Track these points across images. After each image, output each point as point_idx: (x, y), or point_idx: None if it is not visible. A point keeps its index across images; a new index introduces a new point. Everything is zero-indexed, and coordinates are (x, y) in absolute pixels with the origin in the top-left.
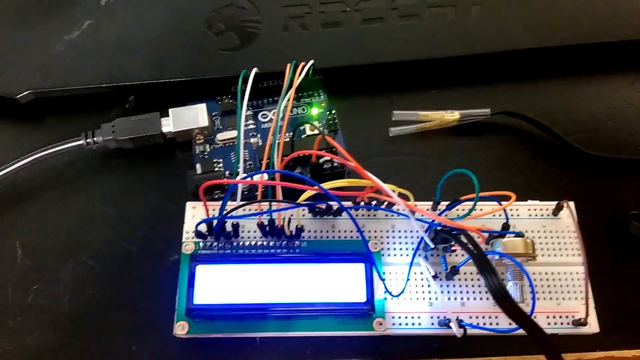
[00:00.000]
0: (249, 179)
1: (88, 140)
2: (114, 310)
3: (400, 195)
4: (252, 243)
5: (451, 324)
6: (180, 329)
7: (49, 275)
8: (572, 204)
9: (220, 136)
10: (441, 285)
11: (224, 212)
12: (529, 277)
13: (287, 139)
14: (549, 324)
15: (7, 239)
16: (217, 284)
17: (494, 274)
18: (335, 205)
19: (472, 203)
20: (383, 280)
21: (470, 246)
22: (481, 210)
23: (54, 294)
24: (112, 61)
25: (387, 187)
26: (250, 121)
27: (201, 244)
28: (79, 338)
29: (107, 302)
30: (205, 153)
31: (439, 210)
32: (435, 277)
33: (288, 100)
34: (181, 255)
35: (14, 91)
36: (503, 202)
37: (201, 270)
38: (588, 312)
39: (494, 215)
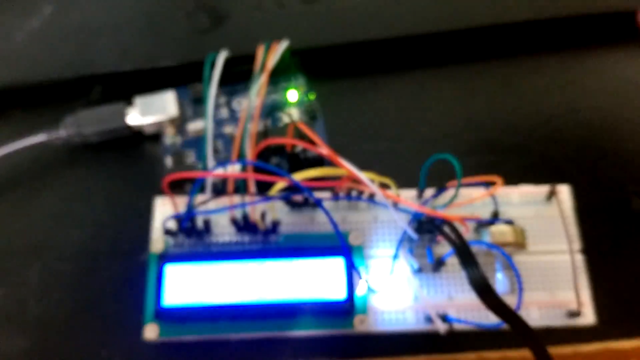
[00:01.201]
0: (219, 170)
1: (51, 135)
2: (83, 313)
3: (382, 184)
4: (226, 240)
5: (435, 319)
6: (150, 332)
7: (14, 279)
8: (566, 187)
9: (191, 126)
10: (427, 279)
11: (192, 207)
12: (515, 269)
13: (263, 128)
14: (542, 315)
15: None
16: (187, 284)
17: (475, 265)
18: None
19: (462, 190)
20: (359, 273)
21: (452, 237)
22: (469, 197)
23: (19, 298)
24: (76, 50)
25: (364, 176)
26: (224, 109)
27: (171, 242)
28: (47, 344)
29: (75, 306)
30: (176, 144)
31: (424, 198)
32: (420, 270)
33: (260, 85)
34: (150, 255)
35: None
36: (491, 188)
37: (170, 269)
38: (581, 302)
39: (483, 203)
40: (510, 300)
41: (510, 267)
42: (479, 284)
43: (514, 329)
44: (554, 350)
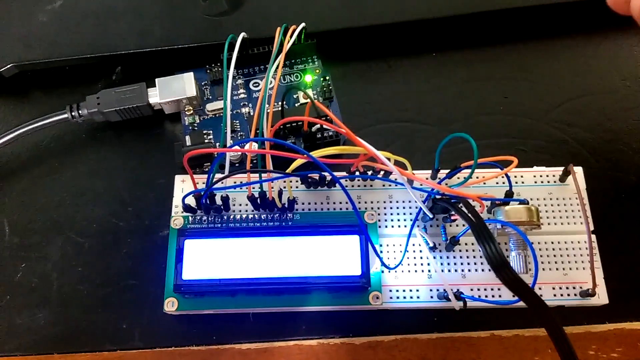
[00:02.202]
0: (238, 147)
1: (73, 114)
2: (104, 287)
3: (397, 163)
4: (243, 216)
5: (450, 297)
6: (170, 305)
7: (37, 253)
8: (579, 169)
9: (210, 106)
10: (440, 257)
11: (211, 183)
12: (532, 246)
13: (278, 108)
14: (555, 295)
15: None
16: (206, 259)
17: (492, 241)
18: (329, 175)
19: (477, 170)
20: (375, 250)
21: (468, 214)
22: (483, 177)
23: (42, 271)
24: (96, 31)
25: (381, 155)
26: (242, 90)
27: (190, 219)
28: (68, 316)
29: (96, 280)
30: (195, 124)
31: (439, 178)
32: (434, 248)
33: (277, 66)
34: (170, 230)
35: None
36: (505, 169)
37: (190, 244)
38: (595, 282)
39: (497, 183)
40: (525, 280)
41: (523, 247)
42: (496, 260)
43: (530, 306)
44: (567, 329)
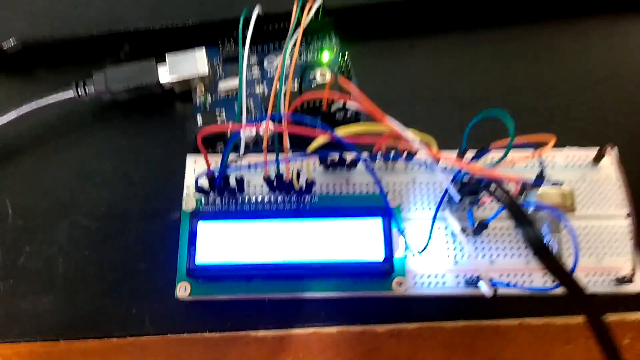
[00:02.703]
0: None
1: (79, 92)
2: (112, 272)
3: (422, 142)
4: (259, 198)
5: (480, 283)
6: (182, 290)
7: (42, 236)
8: (614, 150)
9: (222, 85)
10: (467, 242)
11: (226, 163)
12: (573, 231)
13: (295, 88)
14: (589, 282)
15: None
16: (221, 242)
17: (531, 224)
18: (349, 156)
19: (503, 151)
20: (403, 234)
21: (503, 196)
22: (511, 159)
23: (47, 255)
24: (104, 5)
25: (408, 132)
26: (255, 69)
27: (203, 200)
28: (75, 302)
29: (104, 264)
30: (207, 104)
31: (465, 160)
32: (462, 232)
33: (295, 43)
34: (182, 212)
35: None
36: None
37: (203, 227)
38: (634, 269)
39: (526, 166)
40: None
41: (557, 230)
42: (537, 243)
43: (570, 293)
44: None
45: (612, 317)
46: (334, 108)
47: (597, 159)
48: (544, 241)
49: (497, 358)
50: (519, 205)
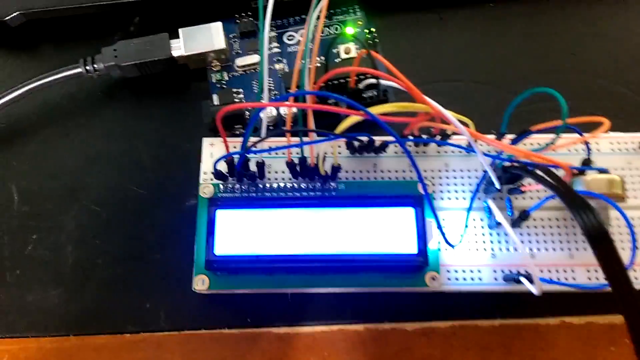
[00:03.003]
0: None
1: (87, 68)
2: (124, 262)
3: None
4: (281, 185)
5: (523, 279)
6: (200, 283)
7: (49, 223)
8: None
9: (239, 61)
10: (506, 234)
11: (246, 146)
12: (629, 221)
13: (319, 64)
14: (636, 278)
15: (1, 182)
16: (241, 232)
17: (590, 209)
18: (378, 139)
19: (544, 136)
20: (440, 225)
21: (553, 181)
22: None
23: (55, 244)
24: None
25: (448, 113)
26: (275, 44)
27: (221, 187)
28: (85, 295)
29: (115, 254)
30: (223, 82)
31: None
32: (498, 224)
33: (319, 16)
34: (199, 199)
35: (1, 13)
36: (585, 134)
37: (222, 215)
38: None
39: (569, 150)
40: None
41: (607, 222)
42: (597, 231)
43: (618, 293)
44: None
45: None
46: (362, 85)
47: None
48: (604, 229)
49: (536, 358)
50: (569, 189)
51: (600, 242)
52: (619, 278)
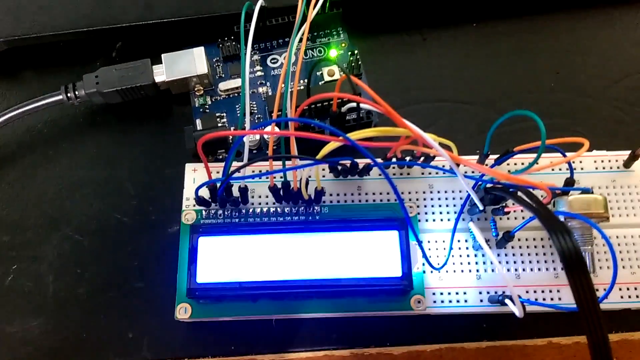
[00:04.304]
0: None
1: (69, 95)
2: (106, 291)
3: (441, 146)
4: (264, 210)
5: (508, 302)
6: (183, 312)
7: (30, 253)
8: None
9: (222, 86)
10: (493, 255)
11: (229, 172)
12: (609, 241)
13: (302, 87)
14: (622, 297)
15: None
16: (223, 259)
17: (568, 233)
18: (361, 162)
19: (527, 156)
20: (422, 248)
21: (533, 203)
22: (537, 164)
23: (36, 273)
24: (94, 1)
25: (427, 136)
26: (258, 67)
27: (204, 213)
28: (67, 324)
29: (97, 282)
30: (206, 106)
31: (486, 165)
32: (497, 242)
33: (301, 39)
34: (181, 226)
35: None
36: (568, 154)
37: (204, 242)
38: None
39: (552, 170)
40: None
41: (589, 242)
42: (572, 255)
43: (585, 320)
44: (631, 335)
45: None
46: (344, 109)
47: (629, 162)
48: (580, 254)
49: None
50: (548, 211)
51: (575, 267)
52: (589, 306)
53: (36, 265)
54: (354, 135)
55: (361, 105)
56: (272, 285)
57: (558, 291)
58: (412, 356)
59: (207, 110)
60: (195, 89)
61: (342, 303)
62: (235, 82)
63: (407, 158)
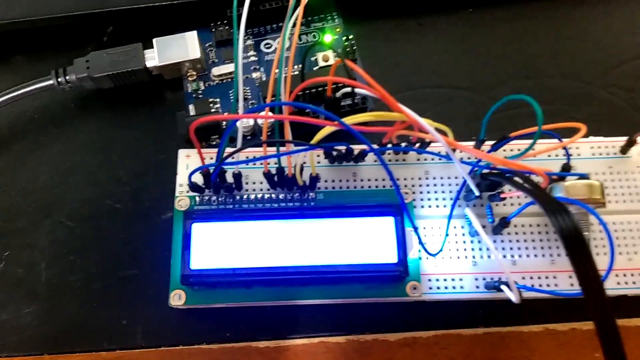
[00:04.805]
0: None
1: (59, 80)
2: (100, 278)
3: (437, 131)
4: (258, 196)
5: (504, 288)
6: (177, 298)
7: (22, 240)
8: None
9: (215, 71)
10: (489, 241)
11: (222, 158)
12: (606, 227)
13: (296, 72)
14: (618, 283)
15: None
16: (217, 245)
17: (566, 212)
18: (357, 148)
19: (523, 142)
20: (418, 234)
21: (530, 186)
22: (533, 149)
23: (29, 261)
24: None
25: (423, 121)
26: (252, 52)
27: (197, 199)
28: (60, 312)
29: (91, 270)
30: (199, 91)
31: (482, 151)
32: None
33: (295, 24)
34: (174, 212)
35: None
36: (564, 139)
37: (198, 228)
38: None
39: (549, 156)
40: None
41: (586, 229)
42: (572, 234)
43: (589, 297)
44: (628, 322)
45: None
46: (339, 94)
47: (626, 148)
48: (580, 233)
49: None
50: (546, 194)
51: (575, 245)
52: (591, 282)
53: (29, 252)
54: (349, 120)
55: (356, 90)
56: (267, 271)
57: (555, 277)
58: (408, 342)
59: (200, 96)
60: (188, 74)
61: (337, 290)
62: (229, 67)
63: (403, 144)
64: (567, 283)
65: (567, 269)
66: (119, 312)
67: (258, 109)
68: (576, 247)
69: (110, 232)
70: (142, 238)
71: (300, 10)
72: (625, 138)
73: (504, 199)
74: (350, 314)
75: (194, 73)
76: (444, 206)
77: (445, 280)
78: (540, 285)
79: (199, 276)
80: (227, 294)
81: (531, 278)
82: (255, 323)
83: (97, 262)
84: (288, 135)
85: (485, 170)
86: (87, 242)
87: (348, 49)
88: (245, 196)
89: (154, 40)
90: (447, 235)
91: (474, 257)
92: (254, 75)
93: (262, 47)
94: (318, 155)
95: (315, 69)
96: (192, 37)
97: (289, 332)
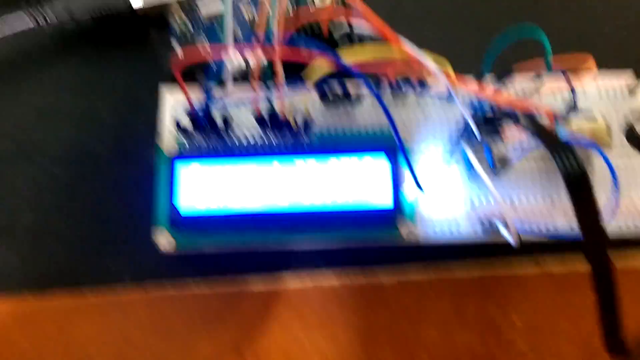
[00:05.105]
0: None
1: (38, 19)
2: (84, 224)
3: (439, 69)
4: (250, 141)
5: (502, 229)
6: (165, 243)
7: (2, 186)
8: None
9: (204, 10)
10: (485, 182)
11: (209, 97)
12: (612, 167)
13: (291, 12)
14: (621, 226)
15: None
16: (206, 189)
17: (571, 151)
18: (353, 89)
19: (528, 77)
20: (415, 176)
21: (534, 126)
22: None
23: (10, 206)
24: None
25: (423, 55)
26: None
27: (185, 141)
28: (44, 258)
29: (75, 215)
30: (187, 32)
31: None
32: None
33: None
34: (160, 155)
35: None
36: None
37: (185, 171)
38: None
39: (554, 96)
40: None
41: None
42: (576, 173)
43: (588, 239)
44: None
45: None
46: (336, 34)
47: (634, 89)
48: (585, 173)
49: (515, 309)
50: (550, 133)
51: (578, 184)
52: (592, 224)
53: (9, 198)
54: (346, 55)
55: (354, 26)
56: (258, 214)
57: (553, 220)
58: (403, 285)
59: (188, 38)
60: (174, 11)
61: (331, 232)
62: (217, 5)
63: (403, 83)
64: (566, 225)
65: (566, 211)
66: (104, 256)
67: (248, 44)
68: (579, 187)
69: (94, 176)
70: (127, 181)
71: None
72: (634, 78)
73: (505, 142)
74: (344, 257)
75: (180, 10)
76: (442, 148)
77: (441, 223)
78: (539, 228)
79: (187, 220)
80: (217, 238)
81: (530, 221)
82: (246, 267)
83: (81, 207)
84: (280, 73)
85: (489, 111)
86: (70, 187)
87: None
88: (234, 139)
89: None
90: (444, 177)
91: (471, 199)
92: (246, 15)
93: None
94: (313, 96)
95: (311, 6)
96: None
97: (283, 276)
